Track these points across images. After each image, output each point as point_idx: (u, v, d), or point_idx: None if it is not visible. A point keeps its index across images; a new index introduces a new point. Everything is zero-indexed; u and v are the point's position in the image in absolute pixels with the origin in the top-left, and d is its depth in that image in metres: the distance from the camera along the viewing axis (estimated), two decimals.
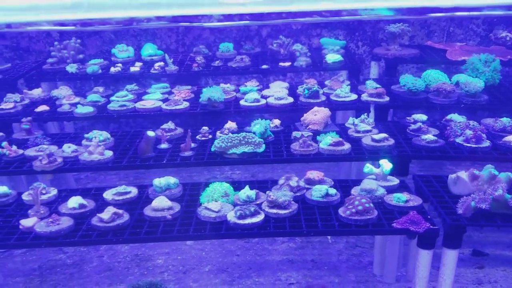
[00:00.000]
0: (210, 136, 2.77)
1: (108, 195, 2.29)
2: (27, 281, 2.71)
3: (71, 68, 3.44)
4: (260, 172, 4.09)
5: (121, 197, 2.26)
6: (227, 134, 2.71)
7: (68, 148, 2.48)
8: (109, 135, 2.67)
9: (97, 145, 2.44)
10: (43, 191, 2.27)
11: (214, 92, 2.92)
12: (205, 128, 2.86)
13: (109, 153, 2.47)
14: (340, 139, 2.39)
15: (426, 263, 1.95)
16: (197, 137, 2.77)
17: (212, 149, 2.49)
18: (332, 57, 3.38)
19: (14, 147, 2.47)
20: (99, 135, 2.62)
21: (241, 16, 1.47)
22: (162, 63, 3.58)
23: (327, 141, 2.38)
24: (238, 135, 2.43)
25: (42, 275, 2.76)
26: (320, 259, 2.81)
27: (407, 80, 2.85)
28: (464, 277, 2.52)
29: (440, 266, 1.99)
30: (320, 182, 2.24)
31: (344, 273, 2.65)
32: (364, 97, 2.87)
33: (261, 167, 4.13)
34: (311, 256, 2.84)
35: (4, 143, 2.47)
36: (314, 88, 2.89)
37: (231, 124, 2.84)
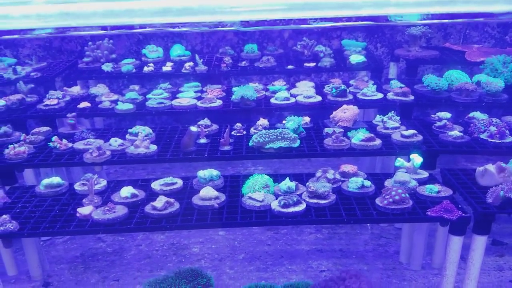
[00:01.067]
0: (244, 132, 2.93)
1: (156, 185, 2.45)
2: (71, 267, 2.88)
3: (107, 67, 3.61)
4: (282, 168, 4.25)
5: (168, 188, 2.42)
6: (260, 130, 2.88)
7: (115, 142, 2.64)
8: (151, 130, 2.84)
9: (143, 139, 2.60)
10: (95, 182, 2.43)
11: (247, 91, 3.08)
12: (239, 124, 3.02)
13: (153, 147, 2.63)
14: (372, 135, 2.54)
15: (457, 248, 2.10)
16: (232, 133, 2.93)
17: (250, 144, 2.65)
18: (356, 58, 3.54)
19: (64, 141, 2.63)
20: (142, 130, 2.78)
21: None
22: (191, 63, 3.74)
23: (359, 136, 2.53)
24: (275, 131, 2.59)
25: (85, 262, 2.92)
26: (348, 248, 2.97)
27: (431, 80, 3.01)
28: (486, 264, 2.67)
29: (470, 251, 2.14)
30: (354, 175, 2.40)
31: (372, 261, 2.81)
32: (390, 96, 3.02)
33: (282, 163, 4.29)
34: (339, 246, 3.00)
35: (55, 137, 2.64)
36: (342, 87, 3.04)
37: (263, 121, 3.00)
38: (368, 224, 3.04)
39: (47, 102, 3.07)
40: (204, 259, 2.93)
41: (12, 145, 2.51)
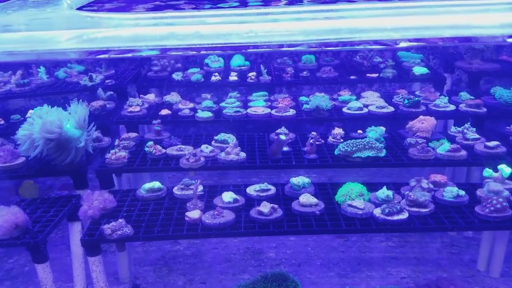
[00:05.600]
0: (323, 141, 3.03)
1: (251, 191, 2.55)
2: (155, 269, 2.97)
3: (177, 76, 3.73)
4: (335, 176, 4.33)
5: (264, 194, 2.52)
6: (338, 139, 2.99)
7: (206, 149, 2.74)
8: (235, 138, 2.94)
9: (234, 146, 2.71)
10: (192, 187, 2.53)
11: (322, 101, 3.19)
12: (314, 133, 3.12)
13: (243, 154, 2.73)
14: (458, 145, 2.64)
15: None
16: (310, 141, 3.03)
17: (336, 152, 2.74)
18: (419, 70, 3.65)
19: (158, 147, 2.74)
20: (227, 138, 2.89)
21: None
22: (255, 73, 3.86)
23: (445, 147, 2.63)
24: (362, 140, 2.69)
25: (167, 265, 3.02)
26: (422, 256, 3.04)
27: (503, 93, 3.10)
28: None
29: None
30: (445, 184, 2.49)
31: (450, 269, 2.89)
32: (463, 107, 3.12)
33: (335, 172, 4.38)
34: (413, 254, 3.07)
35: (150, 143, 2.75)
36: (416, 99, 3.14)
37: (339, 130, 3.10)
38: (470, 232, 3.12)
39: (130, 109, 3.18)
40: (283, 263, 3.02)
41: (113, 150, 2.62)
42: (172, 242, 3.25)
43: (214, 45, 1.55)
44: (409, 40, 1.48)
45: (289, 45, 1.55)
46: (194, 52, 1.72)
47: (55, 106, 2.58)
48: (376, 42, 1.51)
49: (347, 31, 1.52)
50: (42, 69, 3.79)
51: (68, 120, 2.46)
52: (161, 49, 1.70)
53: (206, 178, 4.18)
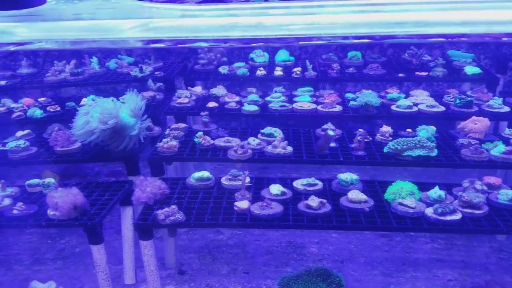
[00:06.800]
0: (370, 138, 3.00)
1: (298, 184, 2.56)
2: (200, 257, 3.05)
3: (223, 69, 3.79)
4: (378, 176, 4.26)
5: (311, 188, 2.52)
6: (387, 137, 2.94)
7: (253, 141, 2.78)
8: (281, 132, 2.95)
9: (280, 140, 2.73)
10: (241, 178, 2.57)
11: (372, 98, 3.15)
12: (361, 130, 3.08)
13: (289, 148, 2.75)
14: None
15: None
16: (358, 138, 3.00)
17: (385, 150, 2.71)
18: (472, 69, 3.52)
19: (207, 137, 2.80)
20: (273, 131, 2.91)
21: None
22: (300, 68, 3.86)
23: (500, 149, 2.54)
24: (413, 139, 2.64)
25: (211, 253, 3.09)
26: (469, 260, 2.96)
27: None
28: None
29: None
30: (499, 186, 2.40)
31: (500, 274, 2.79)
32: None
33: (378, 171, 4.30)
34: (460, 257, 2.99)
35: (200, 133, 2.81)
36: (469, 99, 3.05)
37: (387, 128, 3.05)
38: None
39: (179, 100, 3.27)
40: (325, 259, 3.02)
41: (165, 139, 2.71)
42: (215, 232, 3.32)
43: (277, 36, 1.56)
44: None
45: (354, 37, 1.55)
46: (255, 44, 1.74)
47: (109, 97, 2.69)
48: None
49: (412, 24, 1.49)
50: (94, 59, 3.95)
51: (124, 108, 2.56)
52: (224, 40, 1.73)
53: (249, 172, 4.24)
